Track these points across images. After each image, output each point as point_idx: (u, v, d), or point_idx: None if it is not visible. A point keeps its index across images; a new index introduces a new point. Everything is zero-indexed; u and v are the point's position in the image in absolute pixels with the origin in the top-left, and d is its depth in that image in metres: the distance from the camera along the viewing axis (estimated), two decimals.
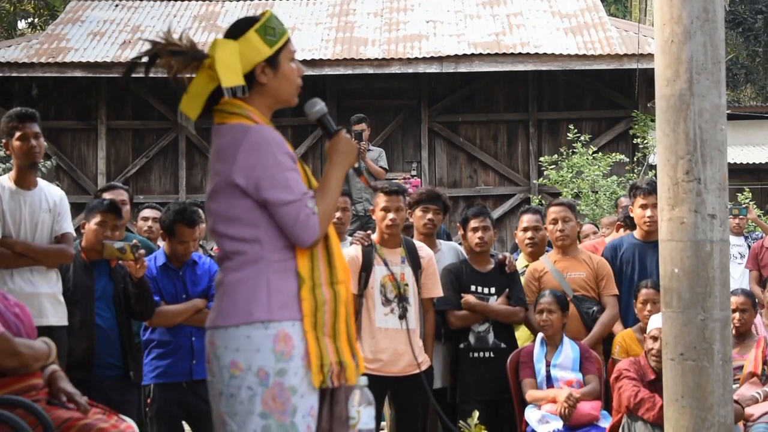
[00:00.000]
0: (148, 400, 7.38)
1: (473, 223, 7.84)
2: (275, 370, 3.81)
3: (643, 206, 8.12)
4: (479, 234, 7.80)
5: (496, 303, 7.71)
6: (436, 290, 7.48)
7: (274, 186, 3.84)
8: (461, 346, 7.71)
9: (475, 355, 7.70)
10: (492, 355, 7.69)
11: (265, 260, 3.88)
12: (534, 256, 8.35)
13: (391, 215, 7.34)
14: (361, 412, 3.90)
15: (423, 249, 7.52)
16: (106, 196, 8.14)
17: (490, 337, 7.73)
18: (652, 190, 7.97)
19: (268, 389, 3.81)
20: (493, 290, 7.76)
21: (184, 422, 7.51)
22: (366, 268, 7.27)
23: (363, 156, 12.32)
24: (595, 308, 7.88)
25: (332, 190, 3.96)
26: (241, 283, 3.91)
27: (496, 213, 18.80)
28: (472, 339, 7.71)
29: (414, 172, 17.90)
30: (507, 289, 7.75)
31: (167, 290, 7.25)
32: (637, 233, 8.30)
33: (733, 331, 7.78)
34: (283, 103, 4.09)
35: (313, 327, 3.85)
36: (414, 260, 7.38)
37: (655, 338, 6.74)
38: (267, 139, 3.89)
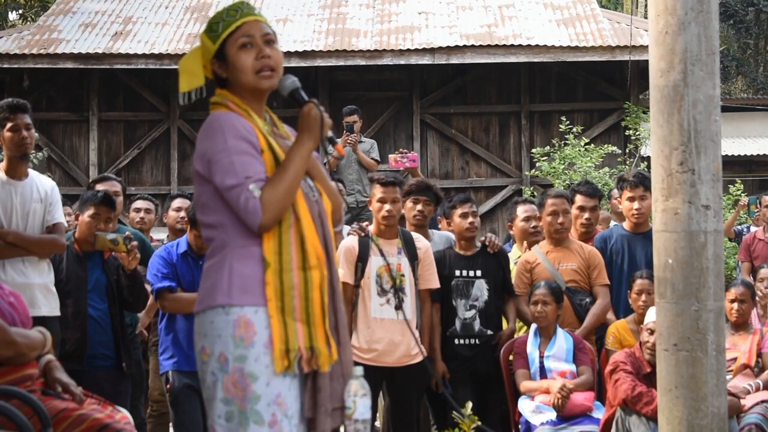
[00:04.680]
0: (167, 386, 7.37)
1: (463, 209, 7.87)
2: (234, 356, 3.80)
3: (631, 198, 8.17)
4: (470, 219, 7.83)
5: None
6: (433, 281, 7.51)
7: (219, 170, 3.84)
8: (447, 333, 7.73)
9: (461, 341, 7.73)
10: (477, 342, 7.73)
11: (229, 245, 3.88)
12: (532, 245, 8.35)
13: (387, 206, 7.35)
14: (357, 401, 3.88)
15: (420, 240, 7.54)
16: (99, 187, 8.16)
17: (476, 324, 7.75)
18: (638, 182, 8.03)
19: (228, 375, 3.80)
20: (479, 273, 7.78)
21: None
22: (362, 259, 7.29)
23: (355, 148, 12.30)
24: (587, 300, 7.89)
25: (287, 171, 3.87)
26: (210, 269, 3.93)
27: (488, 204, 18.84)
28: (458, 325, 7.73)
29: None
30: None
31: (185, 278, 7.18)
32: (626, 225, 8.34)
33: (732, 321, 7.80)
34: (253, 90, 4.04)
35: (279, 311, 3.81)
36: (411, 251, 7.40)
37: (651, 331, 6.72)
38: (222, 125, 3.90)
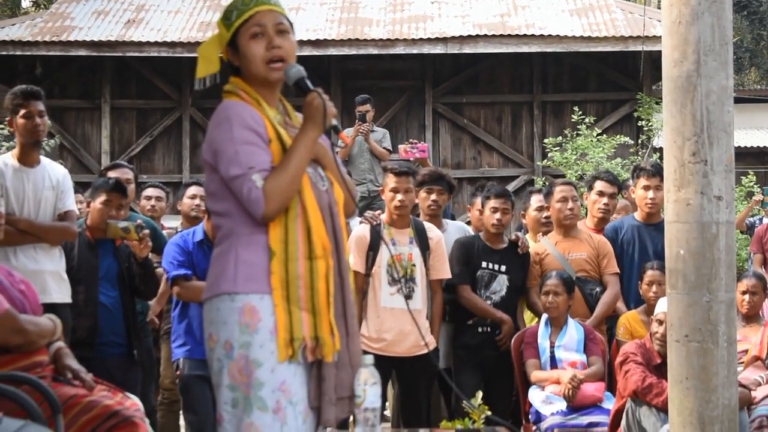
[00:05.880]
0: (178, 372, 7.37)
1: (494, 203, 7.85)
2: (239, 343, 3.80)
3: (646, 187, 8.13)
4: (498, 215, 7.81)
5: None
6: (445, 272, 7.52)
7: (224, 160, 3.84)
8: (470, 321, 7.79)
9: (478, 330, 7.78)
10: (489, 329, 7.77)
11: (235, 233, 3.89)
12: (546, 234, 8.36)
13: (399, 196, 7.36)
14: (367, 390, 3.88)
15: (432, 230, 7.55)
16: (111, 174, 8.15)
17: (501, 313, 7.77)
18: (656, 172, 7.97)
19: (233, 361, 3.81)
20: (504, 268, 7.80)
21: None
22: (373, 248, 7.30)
23: (367, 137, 12.28)
24: (597, 289, 7.89)
25: (291, 161, 3.85)
26: (218, 256, 3.96)
27: None
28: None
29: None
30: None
31: (200, 266, 7.14)
32: (637, 215, 8.31)
33: (743, 312, 7.77)
34: (262, 80, 4.03)
35: (285, 300, 3.81)
36: (422, 241, 7.41)
37: (660, 322, 6.72)
38: (229, 114, 3.90)
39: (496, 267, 7.80)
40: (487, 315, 7.73)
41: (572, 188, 8.15)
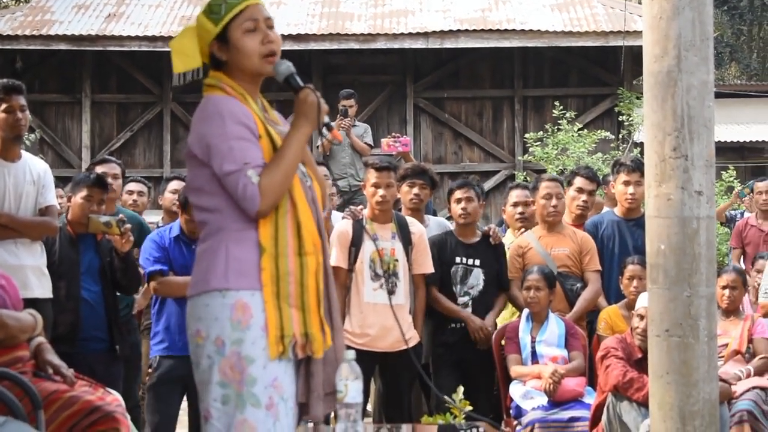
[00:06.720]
0: (149, 370, 7.35)
1: (457, 194, 7.87)
2: (231, 339, 3.79)
3: (626, 182, 8.15)
4: (462, 205, 7.82)
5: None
6: (428, 266, 7.52)
7: (217, 156, 3.83)
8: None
9: (453, 326, 7.77)
10: (465, 326, 7.74)
11: (225, 229, 3.87)
12: (518, 230, 8.37)
13: (381, 191, 7.35)
14: (349, 385, 3.88)
15: (414, 225, 7.55)
16: (99, 169, 8.15)
17: (467, 311, 7.75)
18: (636, 167, 7.99)
19: (225, 358, 3.79)
20: (477, 262, 7.79)
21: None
22: (355, 243, 7.30)
23: (348, 132, 12.27)
24: (578, 285, 7.90)
25: (285, 157, 3.86)
26: (205, 252, 3.92)
27: None
28: None
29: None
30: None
31: (177, 261, 7.14)
32: (617, 210, 8.33)
33: (723, 307, 7.77)
34: (253, 74, 4.03)
35: (274, 296, 3.80)
36: (405, 236, 7.41)
37: (641, 317, 6.73)
38: (220, 110, 3.88)
39: (470, 261, 7.80)
40: (452, 314, 7.73)
41: (558, 185, 8.15)
